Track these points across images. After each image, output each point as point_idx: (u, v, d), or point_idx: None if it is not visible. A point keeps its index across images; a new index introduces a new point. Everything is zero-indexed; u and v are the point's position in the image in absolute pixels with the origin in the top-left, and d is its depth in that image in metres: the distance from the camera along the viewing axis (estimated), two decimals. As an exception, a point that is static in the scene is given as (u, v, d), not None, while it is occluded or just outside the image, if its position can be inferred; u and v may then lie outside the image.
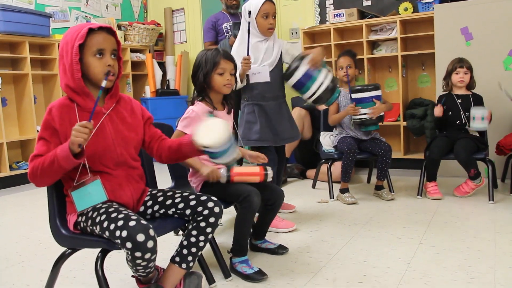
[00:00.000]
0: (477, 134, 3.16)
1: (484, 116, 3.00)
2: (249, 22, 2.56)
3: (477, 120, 3.01)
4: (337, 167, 3.60)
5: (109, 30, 1.58)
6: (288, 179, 4.07)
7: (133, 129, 1.68)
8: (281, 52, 2.67)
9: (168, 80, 5.39)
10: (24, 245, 2.63)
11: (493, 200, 2.97)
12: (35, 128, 4.32)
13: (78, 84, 1.53)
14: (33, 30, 4.26)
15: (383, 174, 3.27)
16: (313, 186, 3.72)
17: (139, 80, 5.51)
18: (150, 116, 1.78)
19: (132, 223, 1.41)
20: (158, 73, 5.33)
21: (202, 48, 5.53)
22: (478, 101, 3.19)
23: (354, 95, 3.21)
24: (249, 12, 2.54)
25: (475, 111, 3.03)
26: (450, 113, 3.19)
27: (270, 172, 1.99)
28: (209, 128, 1.54)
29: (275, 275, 2.00)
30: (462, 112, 3.16)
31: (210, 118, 1.69)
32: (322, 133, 3.63)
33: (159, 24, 5.63)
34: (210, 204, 1.67)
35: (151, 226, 1.43)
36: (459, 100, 3.18)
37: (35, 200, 3.73)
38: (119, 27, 5.30)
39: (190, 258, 1.67)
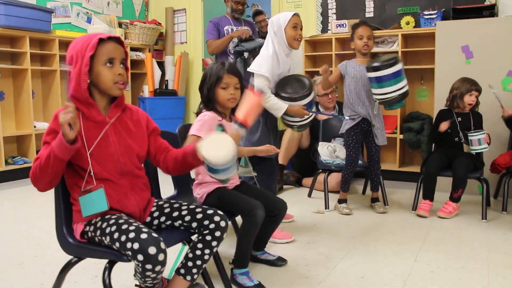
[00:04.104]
0: (474, 153, 3.20)
1: (481, 139, 3.05)
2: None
3: (475, 144, 3.06)
4: (333, 177, 3.64)
5: (117, 40, 1.59)
6: (284, 187, 4.10)
7: (136, 139, 1.69)
8: None
9: (167, 80, 5.38)
10: (22, 245, 2.62)
11: (486, 219, 3.03)
12: (32, 124, 4.30)
13: (84, 95, 1.53)
14: (34, 25, 4.24)
15: (375, 185, 3.33)
16: (309, 195, 3.76)
17: (138, 79, 5.50)
18: (156, 127, 1.78)
19: (143, 236, 1.42)
20: (157, 72, 5.32)
21: (203, 49, 5.55)
22: (478, 119, 3.23)
23: (372, 74, 2.91)
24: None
25: (472, 136, 3.08)
26: (449, 130, 3.23)
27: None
28: (216, 143, 1.53)
29: (274, 288, 2.03)
30: (460, 131, 3.20)
31: (219, 132, 1.68)
32: (320, 143, 3.67)
33: (160, 23, 5.62)
34: (217, 218, 1.68)
35: (161, 239, 1.45)
36: (459, 118, 3.23)
37: (30, 196, 3.71)
38: (119, 25, 5.28)
39: (195, 270, 1.69)
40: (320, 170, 3.63)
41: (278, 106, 2.59)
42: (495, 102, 3.29)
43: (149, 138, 1.75)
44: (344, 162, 3.35)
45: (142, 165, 1.74)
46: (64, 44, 4.69)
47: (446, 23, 3.82)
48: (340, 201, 3.30)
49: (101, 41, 1.54)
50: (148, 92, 5.17)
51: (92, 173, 1.55)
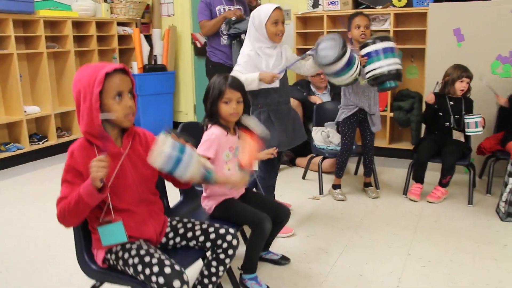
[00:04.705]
0: (462, 139, 3.32)
1: (478, 122, 3.15)
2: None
3: (472, 126, 3.16)
4: (327, 159, 3.75)
5: (123, 70, 1.59)
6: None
7: (150, 166, 1.72)
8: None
9: (156, 55, 5.30)
10: (30, 244, 2.70)
11: (472, 204, 3.21)
12: (22, 109, 4.24)
13: (99, 130, 1.54)
14: (17, 6, 4.08)
15: (368, 171, 3.46)
16: (303, 177, 3.88)
17: (125, 55, 5.41)
18: None
19: (167, 270, 1.51)
20: (146, 48, 5.23)
21: (191, 22, 5.44)
22: (469, 104, 3.33)
23: (363, 51, 2.90)
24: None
25: (469, 119, 3.17)
26: (441, 114, 3.33)
27: (252, 124, 2.00)
28: (158, 146, 1.55)
29: (280, 291, 2.18)
30: (452, 115, 3.30)
31: (160, 136, 1.59)
32: (314, 128, 3.75)
33: (146, -5, 5.46)
34: (229, 238, 1.78)
35: (184, 271, 1.54)
36: (451, 103, 3.31)
37: (24, 184, 3.76)
38: (105, 0, 5.11)
39: (210, 286, 1.81)
40: (314, 155, 3.73)
41: (251, 79, 2.50)
42: (484, 88, 3.40)
43: None
44: (338, 148, 3.46)
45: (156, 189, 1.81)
46: (49, 24, 4.56)
47: (439, 5, 3.82)
48: (335, 187, 3.43)
49: (107, 74, 1.53)
50: (137, 69, 5.10)
51: (110, 206, 1.61)
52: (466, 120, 3.18)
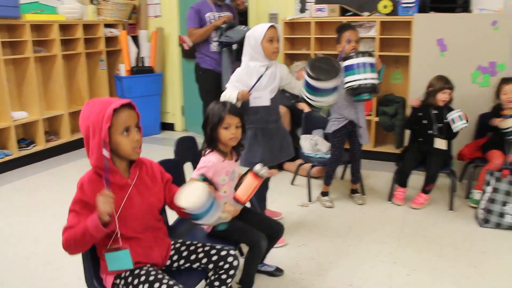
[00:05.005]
0: (445, 147, 3.47)
1: (461, 115, 3.26)
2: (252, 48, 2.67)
3: (457, 121, 3.28)
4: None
5: (129, 105, 1.66)
6: (266, 171, 4.31)
7: (155, 193, 1.81)
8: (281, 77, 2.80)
9: (143, 57, 5.31)
10: (18, 261, 2.75)
11: (452, 209, 3.39)
12: (10, 115, 4.21)
13: (106, 166, 1.61)
14: (2, 12, 4.01)
15: (356, 179, 3.61)
16: (292, 183, 3.99)
17: (112, 56, 5.39)
18: (169, 178, 1.91)
19: None
20: (133, 50, 5.23)
21: (179, 24, 5.45)
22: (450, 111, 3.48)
23: (345, 63, 3.01)
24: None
25: (452, 115, 3.29)
26: (425, 121, 3.47)
27: (259, 168, 2.04)
28: (189, 191, 1.69)
29: (276, 304, 2.30)
30: (435, 123, 3.44)
31: (193, 182, 1.79)
32: (302, 136, 3.86)
33: (133, -4, 5.44)
34: (230, 259, 1.89)
35: None
36: (434, 111, 3.44)
37: (14, 193, 3.77)
38: (91, 0, 5.08)
39: (213, 304, 1.91)
40: (303, 162, 3.84)
41: (229, 96, 2.61)
42: (464, 98, 3.61)
43: (164, 189, 1.88)
44: (326, 156, 3.58)
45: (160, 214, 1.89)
46: (35, 28, 4.52)
47: (423, 15, 3.95)
48: (323, 194, 3.57)
49: (114, 110, 1.59)
50: (125, 71, 5.11)
51: (119, 235, 1.69)
52: (450, 117, 3.31)
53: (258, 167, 2.00)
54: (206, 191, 1.69)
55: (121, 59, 5.25)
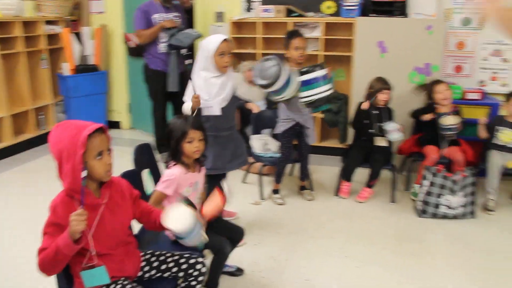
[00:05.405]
0: (386, 144, 3.74)
1: (395, 129, 3.55)
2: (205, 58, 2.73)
3: (391, 133, 3.56)
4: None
5: (101, 129, 1.69)
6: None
7: (125, 210, 1.87)
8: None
9: (87, 55, 5.17)
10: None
11: (394, 202, 3.68)
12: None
13: (81, 187, 1.64)
14: None
15: (304, 176, 3.81)
16: (243, 181, 4.12)
17: (55, 54, 5.19)
18: (137, 194, 1.97)
19: None
20: (76, 48, 5.07)
21: (124, 22, 5.35)
22: (390, 113, 3.75)
23: (300, 78, 3.15)
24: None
25: (387, 126, 3.58)
26: (367, 121, 3.71)
27: (226, 189, 2.18)
28: (177, 215, 1.82)
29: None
30: (375, 122, 3.69)
31: (180, 205, 1.88)
32: (252, 136, 3.98)
33: (73, -9, 5.26)
34: (199, 266, 1.99)
35: None
36: (375, 112, 3.70)
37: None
38: (29, -4, 4.87)
39: (183, 309, 2.01)
40: (254, 161, 3.97)
41: (186, 109, 2.74)
42: (401, 98, 3.91)
43: (133, 205, 1.93)
44: (276, 155, 3.74)
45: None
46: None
47: (365, 18, 4.18)
48: (274, 191, 3.73)
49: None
50: (68, 70, 4.96)
51: (94, 253, 1.73)
52: (385, 127, 3.59)
53: (225, 188, 2.12)
54: (194, 216, 1.82)
55: (64, 58, 5.08)
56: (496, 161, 3.54)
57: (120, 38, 5.41)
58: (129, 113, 5.77)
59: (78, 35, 5.23)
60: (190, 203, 2.02)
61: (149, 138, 5.18)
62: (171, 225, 1.79)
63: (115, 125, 5.74)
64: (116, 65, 5.55)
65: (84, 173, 1.62)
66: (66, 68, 4.96)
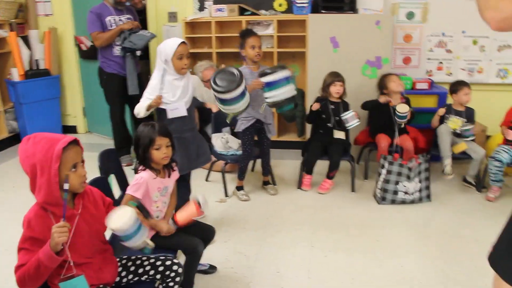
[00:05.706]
0: (343, 136, 3.89)
1: (353, 115, 3.67)
2: (165, 61, 2.75)
3: (350, 121, 3.69)
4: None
5: (75, 142, 1.71)
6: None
7: (99, 218, 1.87)
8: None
9: (37, 59, 5.01)
10: None
11: (354, 191, 3.85)
12: None
13: (58, 200, 1.66)
14: None
15: (266, 172, 3.91)
16: (207, 179, 4.16)
17: (1, 60, 4.99)
18: (110, 201, 1.99)
19: None
20: (25, 52, 4.90)
21: (73, 24, 5.22)
22: (346, 106, 3.88)
23: (264, 79, 3.24)
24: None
25: (345, 115, 3.69)
26: (324, 115, 3.85)
27: (202, 201, 2.29)
28: (119, 214, 1.84)
29: (214, 300, 2.49)
30: (332, 116, 3.84)
31: (123, 206, 1.93)
32: (213, 135, 4.03)
33: (18, -7, 5.06)
34: (175, 267, 2.04)
35: None
36: (332, 106, 3.85)
37: None
38: (-30, 0, 4.65)
39: (162, 310, 2.05)
40: (216, 160, 4.02)
41: (139, 107, 2.78)
42: (356, 89, 4.08)
43: (106, 213, 1.94)
44: (237, 152, 3.81)
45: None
46: None
47: (316, 15, 4.31)
48: (238, 188, 3.80)
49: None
50: (18, 76, 4.79)
51: (72, 263, 1.73)
52: (343, 117, 3.74)
53: (201, 200, 2.18)
54: (134, 217, 1.83)
55: (12, 63, 4.89)
56: (445, 129, 3.78)
57: (71, 41, 5.28)
58: (84, 117, 5.64)
59: (25, 39, 5.06)
60: (140, 207, 2.06)
61: (106, 141, 5.12)
62: (110, 224, 1.80)
63: (71, 129, 5.60)
64: (69, 68, 5.41)
65: (66, 186, 1.63)
66: (15, 74, 4.79)
